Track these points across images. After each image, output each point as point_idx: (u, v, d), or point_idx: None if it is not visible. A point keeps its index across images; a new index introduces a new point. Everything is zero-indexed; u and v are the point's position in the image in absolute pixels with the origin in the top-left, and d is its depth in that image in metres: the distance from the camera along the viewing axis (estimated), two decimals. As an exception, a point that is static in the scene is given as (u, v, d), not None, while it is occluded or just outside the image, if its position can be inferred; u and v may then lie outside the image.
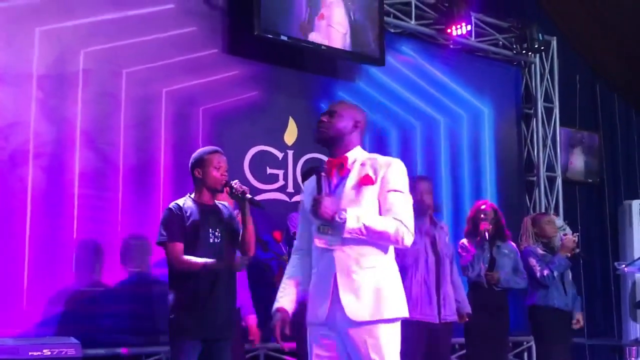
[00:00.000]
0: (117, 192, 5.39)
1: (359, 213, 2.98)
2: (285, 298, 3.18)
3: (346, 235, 2.95)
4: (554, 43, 8.56)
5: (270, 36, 5.99)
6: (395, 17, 7.21)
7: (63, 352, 3.80)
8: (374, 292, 3.00)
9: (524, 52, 8.14)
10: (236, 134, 6.00)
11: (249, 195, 3.98)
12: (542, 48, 8.09)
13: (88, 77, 5.35)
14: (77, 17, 5.33)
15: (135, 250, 5.41)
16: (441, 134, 7.55)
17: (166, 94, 5.71)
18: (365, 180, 3.08)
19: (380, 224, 2.99)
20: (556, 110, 8.56)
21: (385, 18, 6.92)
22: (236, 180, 4.06)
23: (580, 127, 9.25)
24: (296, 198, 6.14)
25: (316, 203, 2.99)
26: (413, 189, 5.47)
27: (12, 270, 4.88)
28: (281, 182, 6.29)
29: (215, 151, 4.15)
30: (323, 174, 3.10)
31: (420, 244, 5.17)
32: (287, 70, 6.41)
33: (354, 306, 2.97)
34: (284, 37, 6.05)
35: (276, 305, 3.17)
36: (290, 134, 6.40)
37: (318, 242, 3.09)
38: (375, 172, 3.09)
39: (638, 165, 9.89)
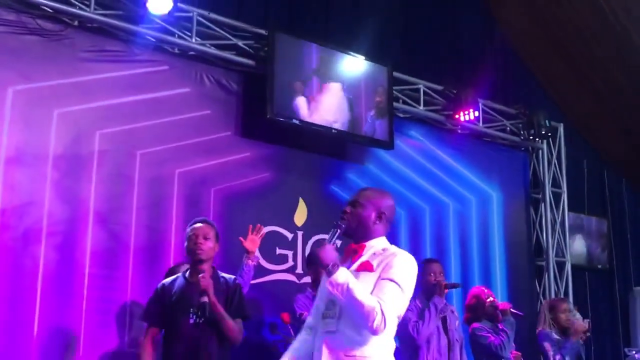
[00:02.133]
0: (127, 272, 5.42)
1: (350, 277, 2.89)
2: None
3: (327, 285, 2.90)
4: (561, 129, 8.68)
5: (282, 120, 6.11)
6: (404, 102, 7.34)
7: None
8: None
9: (531, 137, 8.23)
10: (247, 215, 6.04)
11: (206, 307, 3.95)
12: (549, 134, 8.19)
13: (103, 158, 5.45)
14: (95, 100, 5.48)
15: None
16: (450, 217, 7.58)
17: (179, 175, 5.80)
18: (364, 267, 3.03)
19: (362, 295, 2.85)
20: (564, 196, 8.60)
21: (395, 103, 7.05)
22: (203, 274, 4.02)
23: (589, 212, 9.28)
24: (305, 279, 6.15)
25: (320, 245, 2.95)
26: (426, 270, 5.50)
27: (21, 348, 4.86)
28: (290, 263, 6.31)
29: (195, 222, 4.22)
30: (338, 230, 3.05)
31: (434, 324, 5.15)
32: (298, 152, 6.51)
33: None
34: (295, 121, 6.17)
35: None
36: (300, 215, 6.45)
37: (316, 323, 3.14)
38: (380, 262, 3.02)
39: (647, 251, 9.87)
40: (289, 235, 6.35)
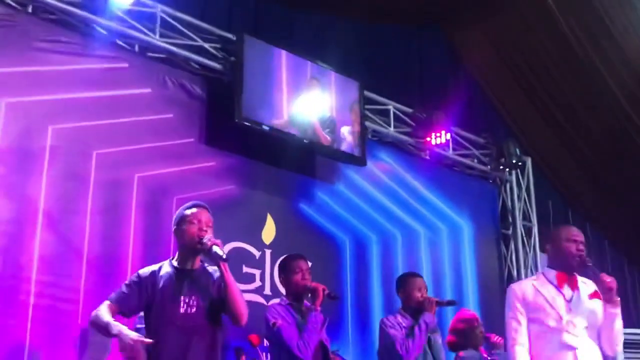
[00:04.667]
0: (79, 282, 4.82)
1: None
2: None
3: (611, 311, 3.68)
4: (529, 163, 8.44)
5: (251, 125, 5.69)
6: (374, 122, 7.01)
7: None
8: None
9: (501, 167, 7.98)
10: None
11: (215, 249, 3.33)
12: (520, 164, 7.94)
13: (55, 155, 4.93)
14: (48, 92, 5.00)
15: (98, 347, 4.75)
16: (422, 245, 7.18)
17: (138, 180, 5.30)
18: (596, 295, 3.68)
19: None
20: (535, 230, 8.30)
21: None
22: (209, 235, 3.40)
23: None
24: (274, 301, 5.62)
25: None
26: (412, 285, 4.98)
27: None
28: (258, 283, 5.78)
29: (193, 205, 3.64)
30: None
31: (422, 343, 4.64)
32: (265, 165, 6.09)
33: None
34: (265, 127, 5.76)
35: None
36: (268, 232, 5.97)
37: (567, 339, 3.63)
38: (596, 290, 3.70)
39: (614, 295, 9.56)
40: (257, 253, 5.84)
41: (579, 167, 9.24)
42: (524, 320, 3.72)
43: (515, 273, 8.06)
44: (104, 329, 3.26)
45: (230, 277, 3.41)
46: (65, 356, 4.61)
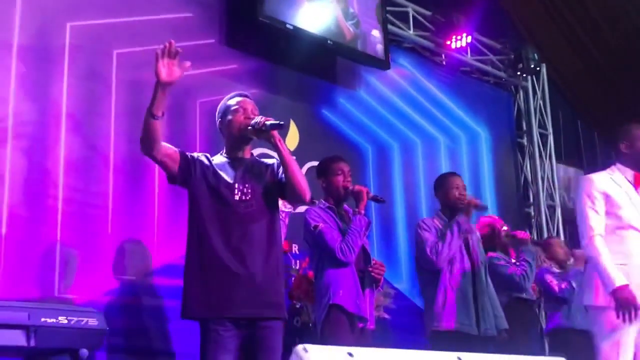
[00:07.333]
0: (107, 186, 4.62)
1: None
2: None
3: None
4: (544, 69, 8.26)
5: (273, 24, 5.43)
6: (393, 24, 6.76)
7: (83, 322, 2.90)
8: None
9: (518, 73, 7.79)
10: (236, 132, 5.30)
11: (270, 122, 3.16)
12: (538, 69, 7.76)
13: (75, 54, 4.65)
14: (64, -12, 4.68)
15: (127, 254, 4.59)
16: (441, 152, 7.04)
17: (161, 82, 5.02)
18: None
19: None
20: (550, 138, 8.20)
21: (384, 25, 6.47)
22: (260, 116, 3.22)
23: (566, 162, 8.90)
24: (301, 208, 5.46)
25: None
26: (450, 184, 4.72)
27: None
28: (283, 189, 5.60)
29: (236, 95, 3.42)
30: None
31: (456, 245, 4.45)
32: (287, 70, 5.85)
33: None
34: (288, 26, 5.49)
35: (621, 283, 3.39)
36: (292, 139, 5.76)
37: None
38: None
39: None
40: (281, 160, 5.63)
41: (591, 78, 9.05)
42: (602, 211, 3.58)
43: (530, 179, 7.97)
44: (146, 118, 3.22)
45: (287, 150, 3.22)
46: (96, 266, 4.43)
